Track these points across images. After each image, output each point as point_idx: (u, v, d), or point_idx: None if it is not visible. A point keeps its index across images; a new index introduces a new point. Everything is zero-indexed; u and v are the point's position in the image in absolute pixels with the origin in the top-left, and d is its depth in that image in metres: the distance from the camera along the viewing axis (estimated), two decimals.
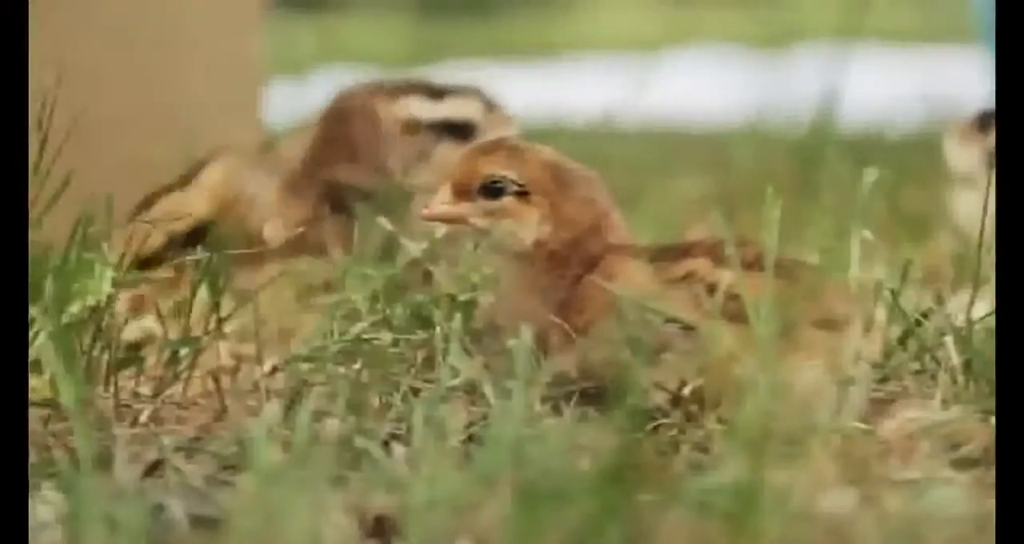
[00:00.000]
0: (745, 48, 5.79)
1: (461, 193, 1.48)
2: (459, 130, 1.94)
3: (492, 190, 1.48)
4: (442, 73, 5.67)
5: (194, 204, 1.87)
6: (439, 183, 1.51)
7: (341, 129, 1.92)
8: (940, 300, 1.62)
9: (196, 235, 1.86)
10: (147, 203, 1.88)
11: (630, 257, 1.45)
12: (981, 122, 2.06)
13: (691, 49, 6.00)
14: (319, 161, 1.92)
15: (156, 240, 1.85)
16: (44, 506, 1.19)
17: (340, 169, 1.90)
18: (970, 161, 2.06)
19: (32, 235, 1.58)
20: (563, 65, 5.89)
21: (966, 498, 1.16)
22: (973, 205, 2.02)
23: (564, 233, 1.47)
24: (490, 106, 1.98)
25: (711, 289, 1.39)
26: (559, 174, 1.48)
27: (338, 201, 1.88)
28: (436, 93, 1.97)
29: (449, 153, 1.84)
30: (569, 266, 1.46)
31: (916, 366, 1.53)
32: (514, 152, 1.48)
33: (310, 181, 1.91)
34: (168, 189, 1.89)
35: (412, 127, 1.93)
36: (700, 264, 1.42)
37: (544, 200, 1.47)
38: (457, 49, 6.53)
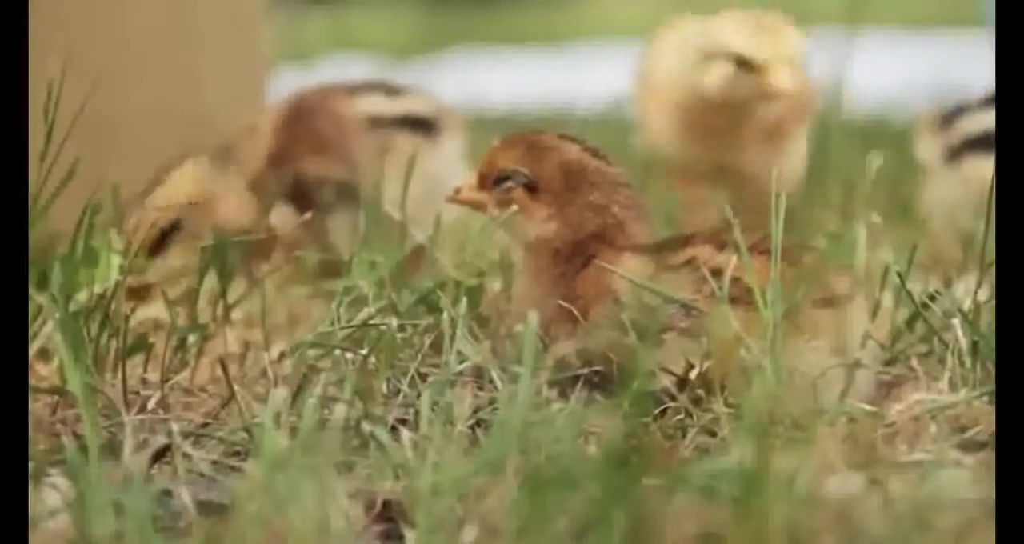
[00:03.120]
0: None
1: (483, 182, 1.52)
2: (418, 125, 1.96)
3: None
4: (452, 61, 5.67)
5: (164, 208, 1.89)
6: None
7: (304, 125, 1.93)
8: (948, 283, 1.62)
9: (166, 237, 1.88)
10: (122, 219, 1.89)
11: (628, 251, 1.46)
12: (944, 118, 2.07)
13: None
14: (284, 157, 1.92)
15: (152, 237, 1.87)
16: (52, 492, 1.19)
17: (308, 162, 1.91)
18: (930, 156, 2.07)
19: (38, 223, 1.58)
20: (571, 54, 5.88)
21: (973, 480, 1.16)
22: (936, 195, 2.03)
23: (567, 234, 1.48)
24: (442, 105, 2.00)
25: (714, 273, 1.39)
26: (573, 176, 1.48)
27: (304, 196, 1.89)
28: (392, 91, 1.98)
29: (409, 147, 1.86)
30: (571, 263, 1.47)
31: (923, 349, 1.52)
32: (533, 148, 1.50)
33: (275, 178, 1.92)
34: (140, 199, 1.90)
35: (374, 122, 1.94)
36: (701, 251, 1.42)
37: (552, 199, 1.49)
38: (465, 38, 6.52)
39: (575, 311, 1.44)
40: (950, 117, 2.07)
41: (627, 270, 1.43)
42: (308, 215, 1.82)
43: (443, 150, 1.97)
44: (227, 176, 1.93)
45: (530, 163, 1.49)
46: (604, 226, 1.48)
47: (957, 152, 2.04)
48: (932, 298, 1.53)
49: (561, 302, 1.44)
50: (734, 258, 1.38)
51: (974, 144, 2.01)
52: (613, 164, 1.50)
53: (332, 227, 1.87)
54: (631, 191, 1.50)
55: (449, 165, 1.97)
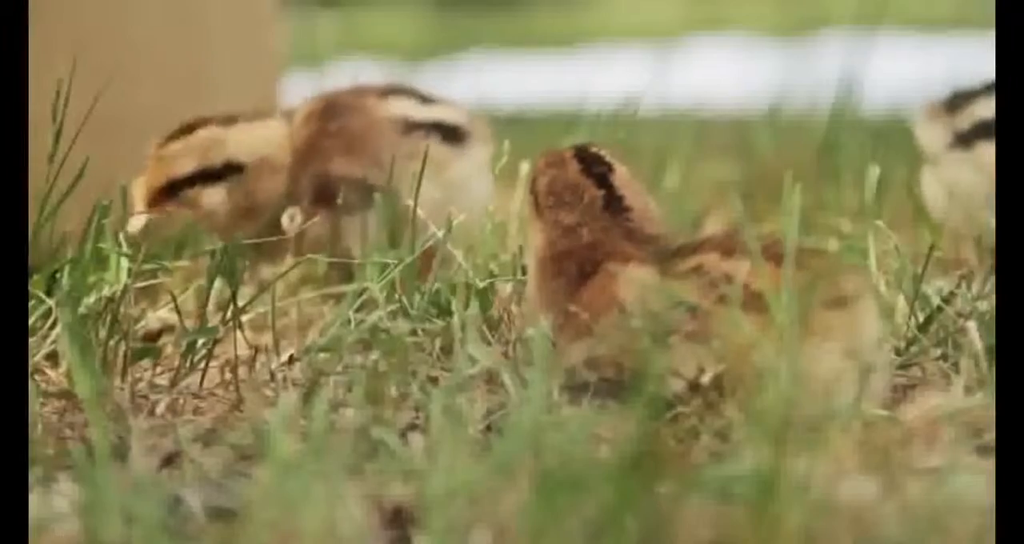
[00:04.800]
0: (766, 36, 5.77)
1: None
2: (447, 132, 1.93)
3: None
4: (463, 64, 5.67)
5: (233, 143, 1.89)
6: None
7: (336, 123, 1.91)
8: (964, 284, 1.60)
9: (224, 173, 1.88)
10: (186, 130, 1.90)
11: (634, 260, 1.46)
12: (949, 103, 2.04)
13: (713, 37, 5.99)
14: (312, 154, 1.90)
15: (186, 166, 1.88)
16: (60, 498, 1.19)
17: (336, 162, 1.89)
18: (935, 142, 2.03)
19: (47, 226, 1.58)
20: (585, 54, 5.88)
21: (990, 485, 1.15)
22: (938, 185, 2.01)
23: (548, 248, 1.49)
24: (472, 116, 1.98)
25: (725, 279, 1.38)
26: (555, 196, 1.51)
27: (326, 194, 1.88)
28: (424, 98, 1.96)
29: (436, 154, 1.84)
30: (572, 272, 1.48)
31: (939, 352, 1.51)
32: (544, 163, 1.53)
33: (301, 175, 1.90)
34: (208, 122, 1.90)
35: (405, 126, 1.92)
36: (708, 258, 1.42)
37: (540, 213, 1.52)
38: (478, 40, 6.52)
39: (583, 318, 1.43)
40: (956, 102, 2.04)
41: (632, 279, 1.43)
42: (315, 219, 1.81)
43: (469, 161, 1.95)
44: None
45: (535, 177, 1.53)
46: (571, 247, 1.49)
47: (967, 138, 2.00)
48: (947, 300, 1.52)
49: (568, 308, 1.44)
50: (740, 264, 1.38)
51: (987, 129, 1.98)
52: (611, 185, 1.50)
53: (345, 228, 1.86)
54: (613, 215, 1.50)
55: (473, 176, 1.95)
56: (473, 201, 1.90)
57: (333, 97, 1.95)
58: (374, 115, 1.92)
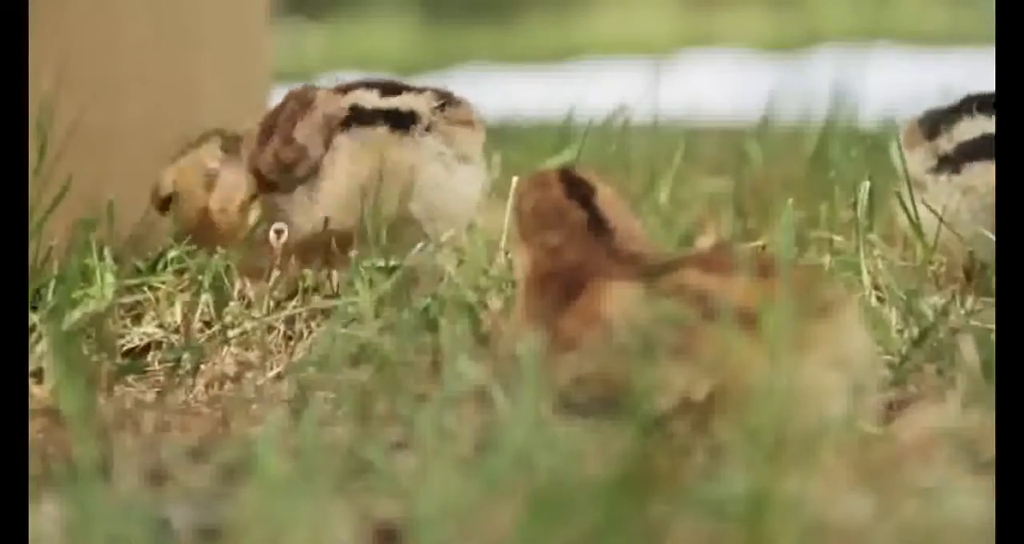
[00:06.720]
0: (759, 49, 5.78)
1: None
2: (400, 120, 1.88)
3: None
4: (453, 77, 5.67)
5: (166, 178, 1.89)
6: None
7: (272, 118, 1.88)
8: (958, 299, 1.60)
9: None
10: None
11: (619, 278, 1.46)
12: (927, 126, 2.00)
13: (704, 51, 6.00)
14: (251, 142, 1.88)
15: None
16: (45, 517, 1.18)
17: (263, 151, 1.86)
18: (917, 167, 2.00)
19: (33, 240, 1.57)
20: (576, 67, 5.89)
21: (985, 505, 1.14)
22: (920, 208, 1.98)
23: (532, 269, 1.49)
24: (445, 104, 1.91)
25: (702, 296, 1.38)
26: (538, 218, 1.50)
27: (262, 181, 1.85)
28: (394, 89, 1.91)
29: (376, 139, 1.82)
30: (557, 293, 1.48)
31: (934, 368, 1.51)
32: (528, 186, 1.53)
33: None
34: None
35: (347, 117, 1.86)
36: (689, 274, 1.41)
37: (523, 235, 1.51)
38: (468, 53, 6.53)
39: (571, 335, 1.43)
40: (933, 124, 2.00)
41: (618, 296, 1.42)
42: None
43: (415, 148, 1.87)
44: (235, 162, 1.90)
45: (520, 199, 1.53)
46: (556, 267, 1.49)
47: (954, 160, 1.97)
48: (941, 315, 1.52)
49: (555, 326, 1.44)
50: (724, 279, 1.37)
51: (973, 150, 1.95)
52: (594, 206, 1.50)
53: (283, 206, 1.83)
54: (596, 236, 1.50)
55: (421, 163, 1.88)
56: (429, 190, 1.85)
57: (293, 90, 1.91)
58: (314, 106, 1.87)
